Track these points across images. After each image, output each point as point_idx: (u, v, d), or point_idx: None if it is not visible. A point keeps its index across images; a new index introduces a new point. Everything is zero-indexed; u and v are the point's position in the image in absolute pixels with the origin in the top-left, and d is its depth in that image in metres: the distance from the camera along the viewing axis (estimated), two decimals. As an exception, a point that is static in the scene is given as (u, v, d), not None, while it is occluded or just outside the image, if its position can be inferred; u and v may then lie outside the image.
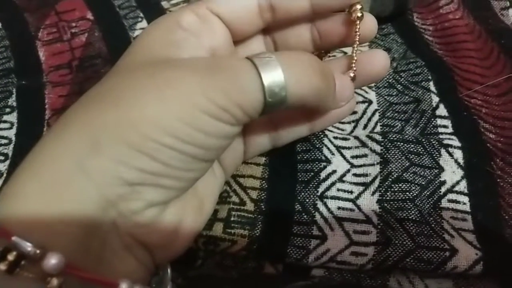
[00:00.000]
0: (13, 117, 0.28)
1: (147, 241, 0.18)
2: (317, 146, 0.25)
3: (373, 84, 0.29)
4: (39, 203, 0.15)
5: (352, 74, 0.22)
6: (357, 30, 0.21)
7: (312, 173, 0.24)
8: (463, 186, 0.24)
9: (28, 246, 0.14)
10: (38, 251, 0.14)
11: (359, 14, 0.21)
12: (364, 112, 0.27)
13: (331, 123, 0.25)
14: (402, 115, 0.27)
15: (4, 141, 0.27)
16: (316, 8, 0.21)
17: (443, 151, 0.25)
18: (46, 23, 0.33)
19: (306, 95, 0.19)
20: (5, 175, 0.26)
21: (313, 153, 0.25)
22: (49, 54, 0.31)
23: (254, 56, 0.18)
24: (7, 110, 0.28)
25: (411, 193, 0.23)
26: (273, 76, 0.18)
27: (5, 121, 0.28)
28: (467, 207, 0.23)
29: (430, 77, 0.28)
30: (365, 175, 0.24)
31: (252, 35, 0.22)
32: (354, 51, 0.22)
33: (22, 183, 0.16)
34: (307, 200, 0.24)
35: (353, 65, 0.22)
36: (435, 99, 0.27)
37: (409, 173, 0.24)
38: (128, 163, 0.16)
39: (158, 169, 0.17)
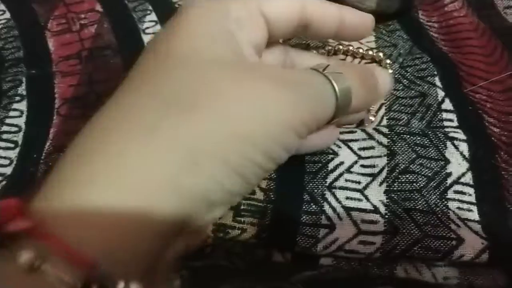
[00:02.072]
0: (23, 106, 0.28)
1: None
2: None
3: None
4: (118, 213, 0.14)
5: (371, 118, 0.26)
6: None
7: (320, 164, 0.25)
8: (468, 178, 0.24)
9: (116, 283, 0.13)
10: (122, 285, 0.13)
11: None
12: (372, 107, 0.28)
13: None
14: (408, 109, 0.27)
15: (14, 128, 0.27)
16: (339, 35, 0.22)
17: (448, 143, 0.25)
18: (55, 14, 0.33)
19: (361, 107, 0.20)
20: (15, 162, 0.26)
21: None
22: (58, 45, 0.31)
23: (326, 71, 0.18)
24: (17, 98, 0.28)
25: (418, 184, 0.24)
26: (345, 93, 0.18)
27: (15, 109, 0.28)
28: (472, 198, 0.24)
29: (435, 72, 0.29)
30: (373, 166, 0.25)
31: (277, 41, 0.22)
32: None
33: (100, 184, 0.14)
34: (316, 190, 0.24)
35: None
36: (441, 93, 0.28)
37: (415, 165, 0.24)
38: (223, 184, 0.15)
39: (239, 188, 0.16)
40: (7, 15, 0.33)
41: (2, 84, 0.29)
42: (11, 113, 0.28)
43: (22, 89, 0.29)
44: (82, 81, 0.29)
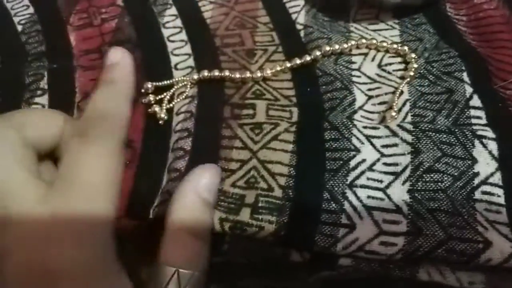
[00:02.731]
0: (44, 100, 0.28)
1: None
2: (346, 135, 0.25)
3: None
4: None
5: (393, 114, 0.25)
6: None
7: (341, 162, 0.24)
8: (497, 178, 0.23)
9: None
10: None
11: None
12: (395, 102, 0.27)
13: None
14: (434, 105, 0.26)
15: (35, 122, 0.27)
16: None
17: (476, 142, 0.24)
18: (77, 8, 0.33)
19: None
20: None
21: (342, 142, 0.25)
22: (80, 39, 0.31)
23: None
24: (39, 92, 0.28)
25: (443, 184, 0.23)
26: None
27: (36, 103, 0.28)
28: (501, 200, 0.23)
29: (463, 68, 0.28)
30: (396, 164, 0.24)
31: None
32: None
33: None
34: (336, 189, 0.23)
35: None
36: (469, 89, 0.27)
37: (441, 164, 0.23)
38: None
39: None
40: (31, 9, 0.33)
41: (25, 78, 0.29)
42: (33, 107, 0.28)
43: (44, 83, 0.29)
44: (102, 75, 0.29)
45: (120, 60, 0.24)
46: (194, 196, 0.22)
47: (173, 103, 0.28)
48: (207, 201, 0.22)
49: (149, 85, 0.28)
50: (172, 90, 0.28)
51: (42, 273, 0.18)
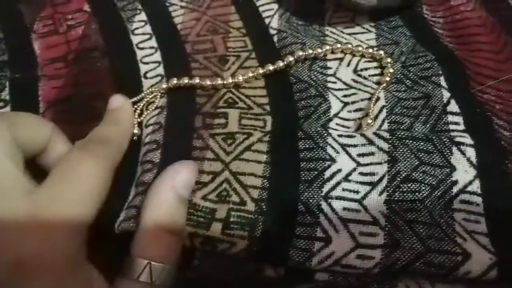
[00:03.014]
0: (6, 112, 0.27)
1: None
2: (321, 145, 0.24)
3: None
4: None
5: (369, 121, 0.25)
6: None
7: (316, 172, 0.23)
8: (476, 186, 0.22)
9: None
10: None
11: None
12: (371, 109, 0.26)
13: None
14: (411, 111, 0.26)
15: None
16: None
17: (454, 149, 0.23)
18: (41, 15, 0.31)
19: None
20: None
21: (316, 152, 0.24)
22: (44, 47, 0.30)
23: None
24: (0, 104, 0.27)
25: (421, 194, 0.22)
26: None
27: (-3, 116, 0.27)
28: (480, 209, 0.22)
29: (440, 72, 0.27)
30: (372, 174, 0.23)
31: None
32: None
33: None
34: (311, 201, 0.22)
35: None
36: (446, 94, 0.26)
37: (418, 172, 0.23)
38: None
39: None
40: (-7, 17, 0.31)
41: (-14, 89, 0.28)
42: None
43: (5, 94, 0.27)
44: (68, 83, 0.28)
45: (122, 104, 0.26)
46: (170, 192, 0.22)
47: (143, 116, 0.26)
48: (182, 198, 0.22)
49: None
50: (141, 104, 0.27)
51: (14, 262, 0.19)
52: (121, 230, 0.22)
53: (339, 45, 0.28)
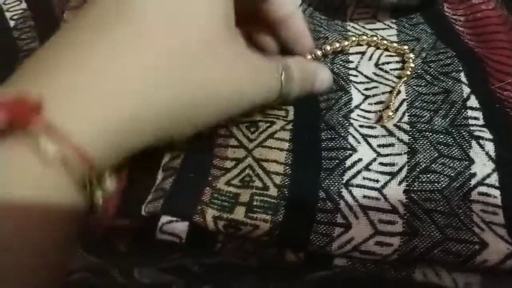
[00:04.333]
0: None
1: None
2: (342, 134, 0.25)
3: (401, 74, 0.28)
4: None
5: (390, 113, 0.26)
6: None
7: (337, 161, 0.24)
8: (494, 179, 0.23)
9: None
10: None
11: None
12: (392, 102, 0.27)
13: None
14: (431, 106, 0.26)
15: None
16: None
17: (473, 142, 0.24)
18: (70, 5, 0.32)
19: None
20: None
21: (338, 141, 0.25)
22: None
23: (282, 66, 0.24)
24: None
25: (440, 184, 0.23)
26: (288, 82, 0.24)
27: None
28: (498, 201, 0.22)
29: (461, 68, 0.27)
30: (392, 164, 0.24)
31: None
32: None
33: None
34: (332, 188, 0.23)
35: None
36: (466, 90, 0.26)
37: (437, 164, 0.23)
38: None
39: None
40: (23, 5, 0.33)
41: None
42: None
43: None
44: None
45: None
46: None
47: None
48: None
49: None
50: None
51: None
52: (147, 212, 0.23)
53: (365, 37, 0.29)
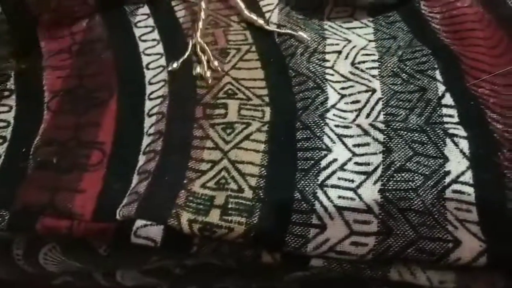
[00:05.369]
0: (11, 101, 0.28)
1: None
2: (318, 134, 0.25)
3: (377, 73, 0.28)
4: None
5: None
6: None
7: (313, 161, 0.24)
8: (468, 176, 0.23)
9: None
10: None
11: None
12: (367, 101, 0.27)
13: None
14: (407, 104, 0.26)
15: (2, 124, 0.27)
16: None
17: (448, 140, 0.24)
18: (47, 7, 0.32)
19: None
20: (2, 157, 0.26)
21: (313, 142, 0.25)
22: (49, 39, 0.31)
23: None
24: (6, 93, 0.28)
25: (414, 183, 0.23)
26: None
27: (3, 105, 0.27)
28: (472, 198, 0.22)
29: (436, 66, 0.27)
30: (367, 164, 0.24)
31: None
32: None
33: None
34: (307, 189, 0.23)
35: None
36: (441, 88, 0.26)
37: (412, 163, 0.23)
38: None
39: None
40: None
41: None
42: (0, 109, 0.27)
43: (10, 84, 0.28)
44: (72, 73, 0.29)
45: None
46: None
47: None
48: None
49: None
50: None
51: None
52: (122, 216, 0.23)
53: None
